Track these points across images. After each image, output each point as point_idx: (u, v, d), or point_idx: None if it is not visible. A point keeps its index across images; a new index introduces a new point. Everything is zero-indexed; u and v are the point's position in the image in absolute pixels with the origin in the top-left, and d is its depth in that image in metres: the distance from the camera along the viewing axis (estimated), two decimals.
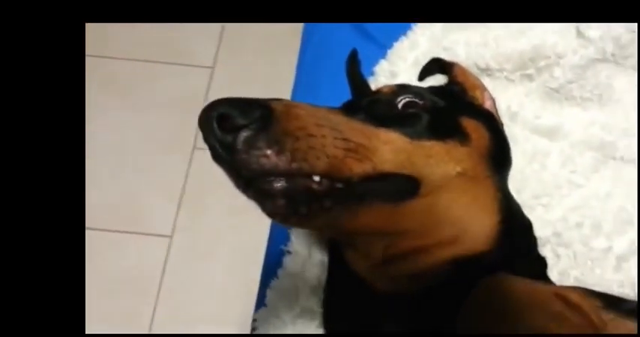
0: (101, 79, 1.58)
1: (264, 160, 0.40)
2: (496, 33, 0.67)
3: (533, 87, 0.67)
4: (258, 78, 1.61)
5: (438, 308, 0.49)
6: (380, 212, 0.47)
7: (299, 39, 1.65)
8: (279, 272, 0.65)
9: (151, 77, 1.63)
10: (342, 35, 0.79)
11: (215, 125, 0.40)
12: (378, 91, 0.57)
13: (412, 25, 0.74)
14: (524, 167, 0.64)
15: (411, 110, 0.53)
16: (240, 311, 1.30)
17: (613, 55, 0.65)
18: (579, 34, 0.65)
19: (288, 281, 0.64)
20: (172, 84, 1.63)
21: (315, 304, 0.62)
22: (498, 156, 0.57)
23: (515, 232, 0.55)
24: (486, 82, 0.66)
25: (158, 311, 1.38)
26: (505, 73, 0.67)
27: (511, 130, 0.65)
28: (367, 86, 0.72)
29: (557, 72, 0.65)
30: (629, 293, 0.58)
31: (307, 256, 0.65)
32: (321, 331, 0.61)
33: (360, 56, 0.75)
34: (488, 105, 0.63)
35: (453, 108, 0.56)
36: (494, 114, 0.63)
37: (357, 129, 0.46)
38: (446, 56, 0.69)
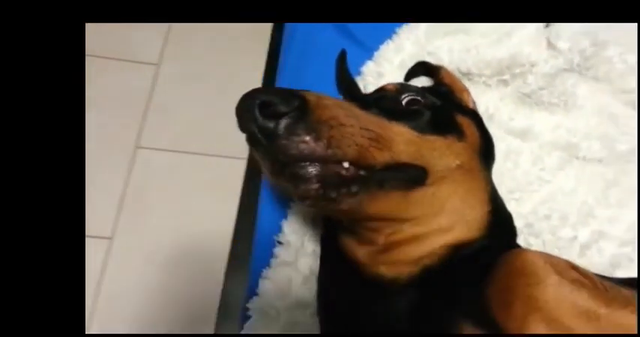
0: None
1: (303, 146, 0.43)
2: (477, 42, 0.73)
3: (507, 92, 0.73)
4: (204, 76, 1.58)
5: (433, 293, 0.52)
6: (394, 198, 0.50)
7: (248, 39, 1.66)
8: (272, 262, 0.67)
9: (93, 73, 1.57)
10: (326, 36, 0.81)
11: (257, 112, 0.42)
12: (382, 89, 0.60)
13: (397, 28, 0.78)
14: (499, 165, 0.70)
15: (414, 107, 0.56)
16: (181, 311, 1.30)
17: (578, 65, 0.72)
18: (550, 45, 0.72)
19: (281, 271, 0.65)
20: (115, 81, 1.57)
21: (309, 293, 0.64)
22: (486, 153, 0.62)
23: (501, 222, 0.60)
24: (467, 85, 0.71)
25: (96, 316, 1.33)
26: (484, 78, 0.73)
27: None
28: (356, 86, 0.75)
29: (530, 79, 0.71)
30: None
31: (300, 246, 0.67)
32: (315, 319, 0.63)
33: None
34: (471, 107, 0.68)
35: (449, 106, 0.61)
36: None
37: (374, 122, 0.49)
38: (430, 60, 0.74)
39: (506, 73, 0.72)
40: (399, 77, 0.74)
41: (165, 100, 1.53)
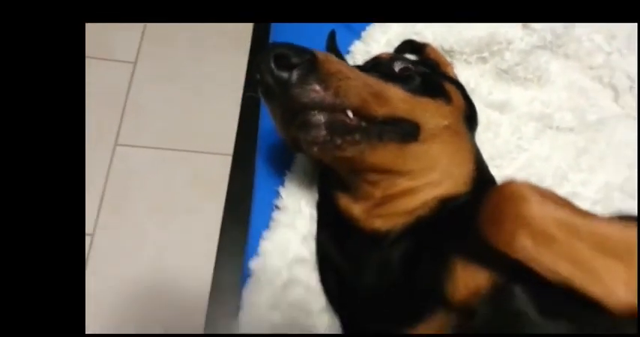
0: None
1: (314, 94, 0.48)
2: (459, 24, 0.79)
3: (487, 69, 0.79)
4: (180, 74, 1.61)
5: (425, 239, 0.56)
6: (391, 150, 0.55)
7: (225, 37, 1.68)
8: (271, 224, 0.70)
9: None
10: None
11: (272, 63, 0.47)
12: (377, 58, 0.65)
13: None
14: (481, 135, 0.75)
15: (406, 73, 0.61)
16: (162, 305, 1.30)
17: (550, 42, 0.79)
18: (525, 25, 0.78)
19: (280, 232, 0.69)
20: (93, 79, 1.58)
21: (307, 251, 0.68)
22: (470, 118, 0.67)
23: (485, 180, 0.65)
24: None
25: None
26: (464, 56, 0.79)
27: None
28: (346, 62, 0.80)
29: (507, 55, 0.77)
30: None
31: (297, 210, 0.70)
32: (314, 275, 0.67)
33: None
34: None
35: (436, 75, 0.66)
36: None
37: (374, 81, 0.54)
38: (416, 39, 0.79)
39: (485, 50, 0.78)
40: None
41: (143, 98, 1.55)
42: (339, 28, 0.84)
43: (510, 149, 0.75)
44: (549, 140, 0.76)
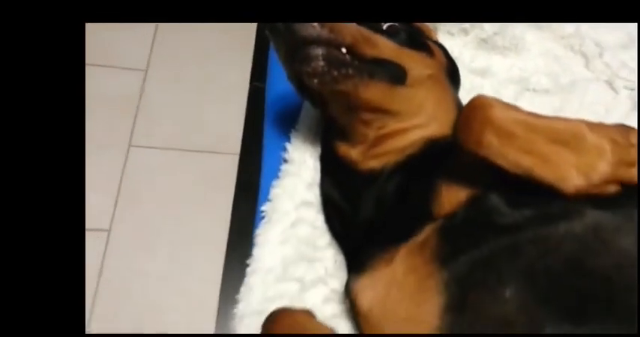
0: None
1: (311, 29, 0.58)
2: None
3: (468, 40, 0.89)
4: (190, 80, 1.70)
5: (415, 172, 0.64)
6: (382, 88, 0.64)
7: (231, 41, 1.77)
8: (280, 174, 0.78)
9: (87, 79, 1.67)
10: None
11: None
12: None
13: None
14: (465, 99, 0.84)
15: (393, 30, 0.71)
16: (182, 301, 1.36)
17: None
18: None
19: (288, 180, 0.77)
20: (107, 86, 1.67)
21: (312, 196, 0.76)
22: (452, 74, 0.77)
23: None
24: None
25: (97, 306, 1.38)
26: (447, 27, 0.88)
27: None
28: None
29: (487, 27, 0.87)
30: None
31: (302, 162, 0.79)
32: (320, 217, 0.75)
33: None
34: None
35: (420, 36, 0.75)
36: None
37: (364, 28, 0.64)
38: None
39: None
40: None
41: (154, 102, 1.65)
42: None
43: None
44: (527, 101, 0.85)
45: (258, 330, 0.63)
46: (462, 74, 0.85)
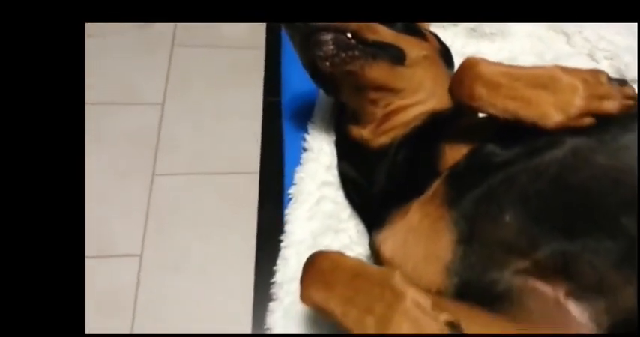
0: None
1: None
2: None
3: (458, 30, 0.99)
4: (205, 111, 1.81)
5: (421, 141, 0.73)
6: (385, 68, 0.73)
7: (244, 63, 1.88)
8: (301, 161, 0.87)
9: (107, 116, 1.78)
10: None
11: None
12: None
13: None
14: None
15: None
16: (216, 318, 1.41)
17: None
18: None
19: (309, 165, 0.86)
20: (128, 121, 1.78)
21: (331, 176, 0.85)
22: (446, 58, 0.86)
23: None
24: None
25: (136, 328, 1.43)
26: None
27: None
28: None
29: None
30: None
31: (320, 149, 0.88)
32: (340, 193, 0.83)
33: None
34: None
35: (414, 25, 0.85)
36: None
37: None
38: None
39: None
40: None
41: (173, 133, 1.75)
42: None
43: None
44: None
45: (296, 294, 0.70)
46: (455, 60, 0.94)
